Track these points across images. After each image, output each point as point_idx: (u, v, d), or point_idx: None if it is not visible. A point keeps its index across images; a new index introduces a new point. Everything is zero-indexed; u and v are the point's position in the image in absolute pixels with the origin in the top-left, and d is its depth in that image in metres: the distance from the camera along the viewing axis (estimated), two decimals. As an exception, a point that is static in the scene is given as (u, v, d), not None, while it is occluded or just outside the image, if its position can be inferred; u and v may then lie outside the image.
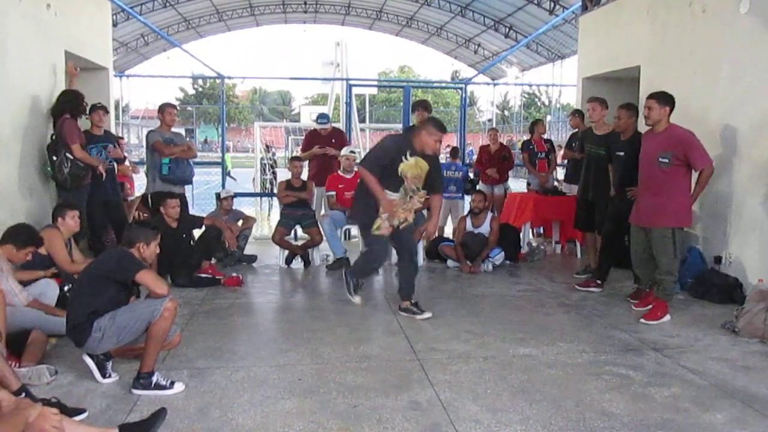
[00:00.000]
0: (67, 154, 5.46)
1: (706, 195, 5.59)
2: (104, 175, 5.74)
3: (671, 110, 4.65)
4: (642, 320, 4.60)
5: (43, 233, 4.61)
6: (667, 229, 4.60)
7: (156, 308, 3.25)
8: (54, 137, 5.61)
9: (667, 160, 4.54)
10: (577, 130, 7.78)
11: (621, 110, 5.39)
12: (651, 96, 4.69)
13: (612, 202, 5.44)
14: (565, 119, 9.10)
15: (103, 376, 3.37)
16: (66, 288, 4.36)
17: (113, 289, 3.40)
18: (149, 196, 6.44)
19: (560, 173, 9.52)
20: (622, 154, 5.31)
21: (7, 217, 5.00)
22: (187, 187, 6.90)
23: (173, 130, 6.61)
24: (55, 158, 5.47)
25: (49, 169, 5.57)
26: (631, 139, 5.26)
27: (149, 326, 3.25)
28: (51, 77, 6.02)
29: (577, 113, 7.89)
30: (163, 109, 6.50)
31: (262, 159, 18.99)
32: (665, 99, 4.63)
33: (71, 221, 4.81)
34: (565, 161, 8.24)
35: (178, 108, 7.44)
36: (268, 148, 22.70)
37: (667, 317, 4.63)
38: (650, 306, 4.76)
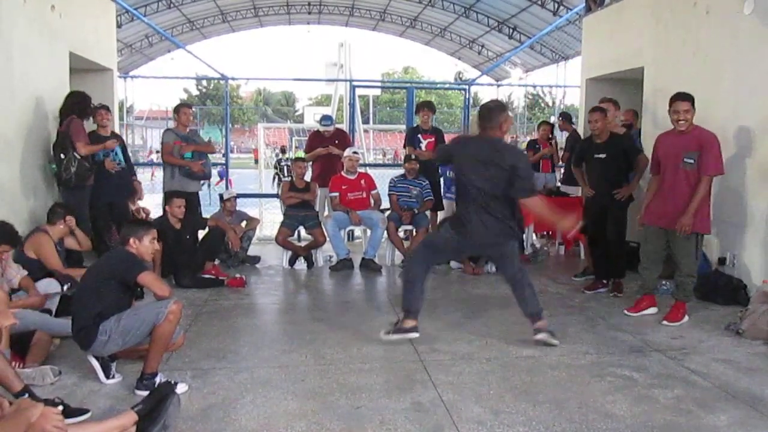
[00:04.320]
0: (76, 154, 5.48)
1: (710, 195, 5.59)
2: (114, 168, 5.81)
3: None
4: (664, 322, 4.58)
5: (32, 238, 4.66)
6: (693, 233, 4.56)
7: (161, 311, 3.25)
8: (59, 136, 5.63)
9: (692, 161, 4.48)
10: (568, 133, 7.92)
11: (596, 113, 5.41)
12: (685, 98, 4.54)
13: (616, 205, 5.39)
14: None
15: (107, 376, 3.38)
16: (65, 287, 4.38)
17: (116, 290, 3.40)
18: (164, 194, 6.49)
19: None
20: (603, 156, 5.36)
21: (10, 216, 5.02)
22: (203, 188, 6.98)
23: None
24: (63, 156, 5.49)
25: (53, 166, 5.59)
26: (609, 140, 5.34)
27: (154, 328, 3.25)
28: (55, 78, 6.04)
29: (563, 116, 8.06)
30: (179, 109, 6.72)
31: (279, 161, 19.18)
32: (693, 100, 4.54)
33: (70, 223, 4.88)
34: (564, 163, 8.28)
35: (193, 108, 7.61)
36: (283, 150, 22.82)
37: (686, 318, 4.64)
38: (650, 311, 4.83)
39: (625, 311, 4.89)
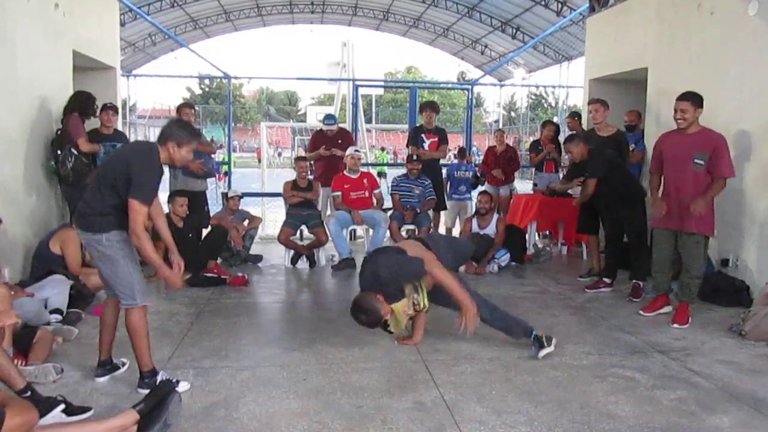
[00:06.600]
0: (72, 150, 5.49)
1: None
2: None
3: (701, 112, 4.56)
4: (675, 325, 4.55)
5: (61, 233, 4.72)
6: (701, 235, 4.57)
7: (139, 292, 3.16)
8: (59, 133, 5.64)
9: (702, 162, 4.47)
10: (575, 132, 7.84)
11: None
12: (684, 98, 4.53)
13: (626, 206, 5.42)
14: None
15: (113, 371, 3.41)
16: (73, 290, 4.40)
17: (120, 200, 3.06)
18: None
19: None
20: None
21: (16, 215, 5.04)
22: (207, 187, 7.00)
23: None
24: (59, 152, 5.51)
25: (52, 163, 5.60)
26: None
27: (126, 318, 3.15)
28: (59, 77, 6.04)
29: (575, 115, 7.99)
30: (180, 109, 6.76)
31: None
32: (698, 100, 4.50)
33: None
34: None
35: (195, 108, 7.61)
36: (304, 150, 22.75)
37: (689, 319, 4.63)
38: (664, 309, 4.83)
39: (641, 311, 4.88)
